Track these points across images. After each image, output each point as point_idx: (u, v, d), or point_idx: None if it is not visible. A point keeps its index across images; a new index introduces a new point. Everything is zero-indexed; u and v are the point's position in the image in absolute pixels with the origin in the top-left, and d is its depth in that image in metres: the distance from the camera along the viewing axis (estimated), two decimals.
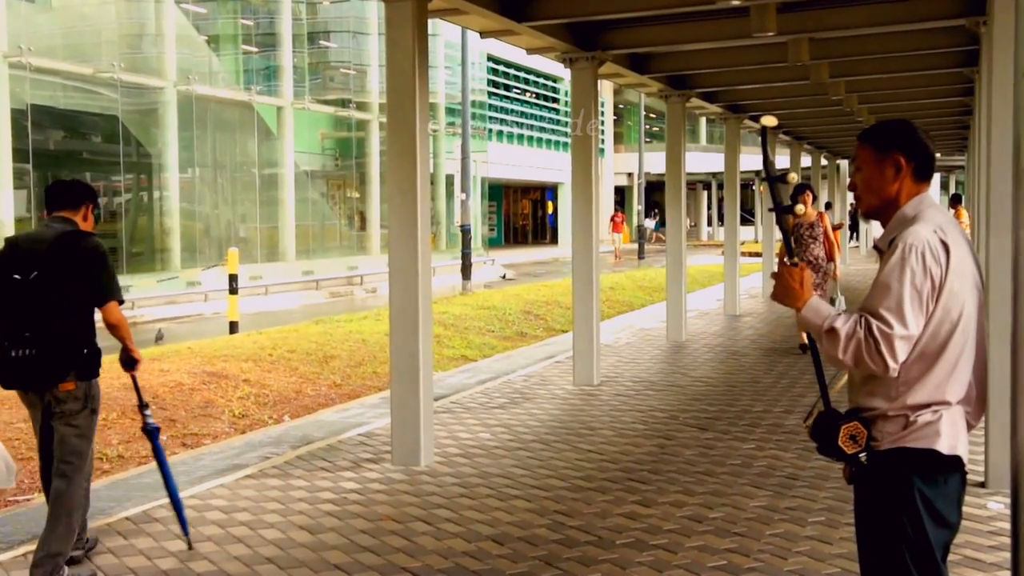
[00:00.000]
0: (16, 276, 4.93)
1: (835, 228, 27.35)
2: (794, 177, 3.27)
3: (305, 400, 10.45)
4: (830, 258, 11.97)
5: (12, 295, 4.94)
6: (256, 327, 16.28)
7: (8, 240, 5.18)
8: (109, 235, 26.63)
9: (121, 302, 5.12)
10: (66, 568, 4.88)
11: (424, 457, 7.21)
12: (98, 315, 5.08)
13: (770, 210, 3.45)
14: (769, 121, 3.23)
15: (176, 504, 5.53)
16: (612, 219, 42.51)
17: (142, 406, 5.45)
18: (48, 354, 4.89)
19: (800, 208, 3.41)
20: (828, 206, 27.75)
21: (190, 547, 5.46)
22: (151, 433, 5.44)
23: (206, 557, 5.31)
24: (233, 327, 16.51)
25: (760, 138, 3.29)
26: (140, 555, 5.36)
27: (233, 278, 17.38)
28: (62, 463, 4.97)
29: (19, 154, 21.86)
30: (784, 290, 3.08)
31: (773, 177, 3.22)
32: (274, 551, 5.40)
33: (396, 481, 6.78)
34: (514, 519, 5.91)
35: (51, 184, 5.32)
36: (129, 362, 5.24)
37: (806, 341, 11.28)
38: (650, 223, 52.64)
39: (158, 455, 5.49)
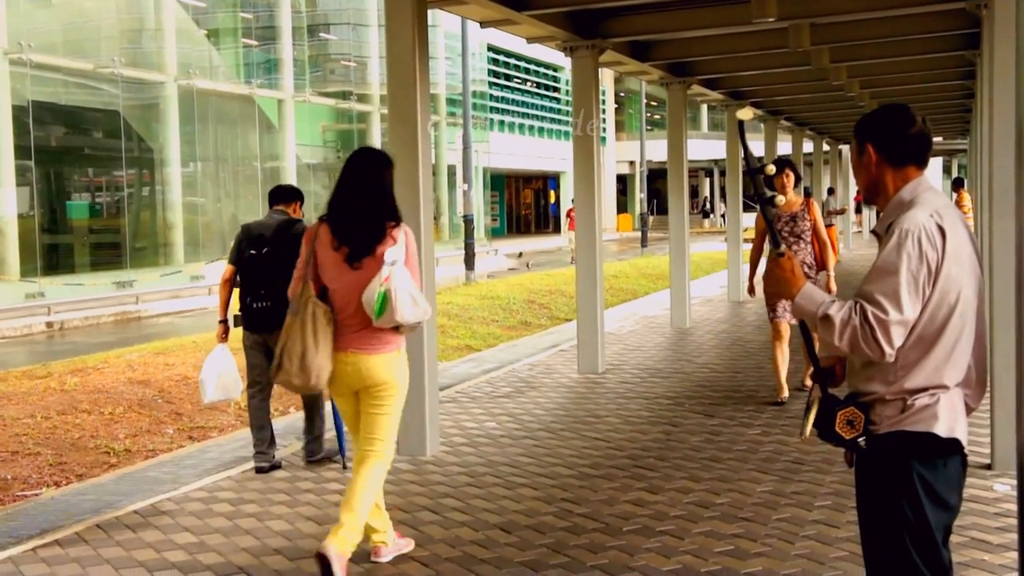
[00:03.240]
0: (252, 252, 6.83)
1: (837, 213, 27.29)
2: (771, 169, 3.26)
3: None
4: (821, 265, 8.70)
5: (251, 265, 6.85)
6: None
7: (244, 226, 7.07)
8: (112, 230, 26.70)
9: None
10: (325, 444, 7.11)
11: (430, 447, 7.22)
12: None
13: (752, 202, 3.45)
14: (745, 114, 3.22)
15: (340, 435, 7.05)
16: (568, 214, 33.63)
17: None
18: (277, 306, 6.46)
19: (780, 199, 3.29)
20: (831, 191, 27.66)
21: (345, 467, 6.84)
22: None
23: (214, 549, 5.33)
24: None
25: (738, 131, 3.27)
26: (149, 548, 5.38)
27: None
28: None
29: (21, 151, 21.87)
30: (776, 281, 3.06)
31: (753, 170, 3.21)
32: (282, 542, 5.42)
33: (403, 471, 6.80)
34: (521, 507, 5.92)
35: (273, 187, 7.30)
36: None
37: (786, 396, 8.61)
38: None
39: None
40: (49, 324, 19.17)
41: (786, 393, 8.64)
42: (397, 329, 4.82)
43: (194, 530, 5.66)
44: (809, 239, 8.58)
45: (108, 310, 20.76)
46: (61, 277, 22.78)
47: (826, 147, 30.22)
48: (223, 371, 6.94)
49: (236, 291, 7.04)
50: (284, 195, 7.18)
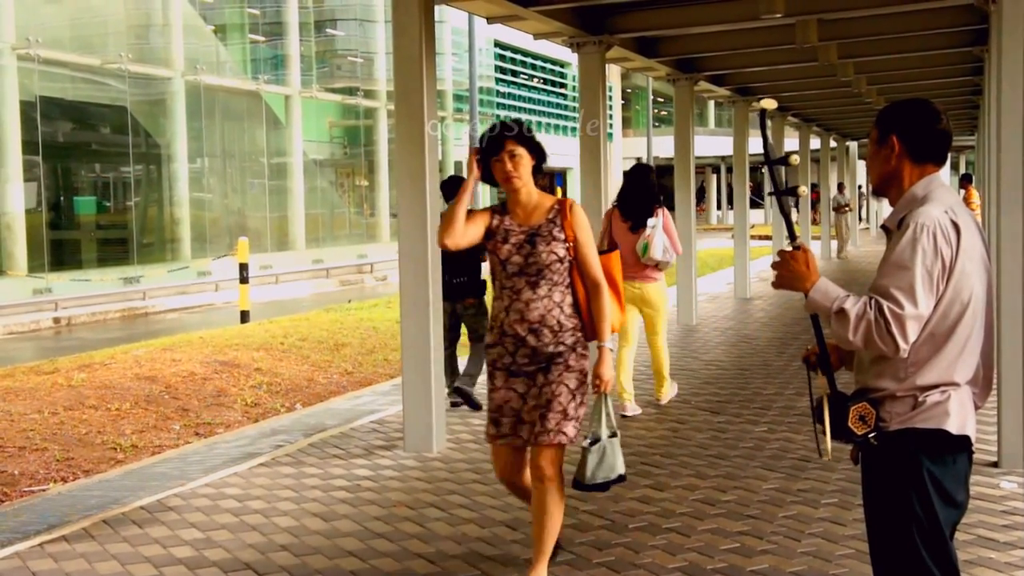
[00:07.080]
0: None
1: (843, 207, 27.14)
2: (796, 159, 3.24)
3: (317, 388, 10.49)
4: (591, 328, 4.86)
5: (449, 251, 7.99)
6: (267, 316, 16.33)
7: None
8: (119, 226, 26.73)
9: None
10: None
11: (436, 443, 7.22)
12: None
13: (770, 194, 3.43)
14: (768, 104, 3.20)
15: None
16: None
17: None
18: (470, 280, 8.50)
19: (802, 190, 3.21)
20: (840, 187, 27.60)
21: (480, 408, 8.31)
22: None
23: (220, 545, 5.33)
24: (244, 316, 16.55)
25: (759, 121, 3.26)
26: (155, 544, 5.39)
27: (243, 267, 17.41)
28: (475, 334, 8.55)
29: (28, 146, 21.89)
30: (791, 274, 3.04)
31: (774, 160, 3.19)
32: (288, 538, 5.43)
33: (409, 468, 6.80)
34: (527, 505, 5.91)
35: (443, 180, 8.35)
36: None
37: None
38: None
39: None
40: (56, 320, 19.22)
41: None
42: (658, 267, 8.08)
43: (200, 526, 5.66)
44: (564, 276, 4.52)
45: (115, 306, 20.80)
46: (68, 273, 22.80)
47: (833, 143, 30.16)
48: None
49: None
50: (451, 189, 8.25)
